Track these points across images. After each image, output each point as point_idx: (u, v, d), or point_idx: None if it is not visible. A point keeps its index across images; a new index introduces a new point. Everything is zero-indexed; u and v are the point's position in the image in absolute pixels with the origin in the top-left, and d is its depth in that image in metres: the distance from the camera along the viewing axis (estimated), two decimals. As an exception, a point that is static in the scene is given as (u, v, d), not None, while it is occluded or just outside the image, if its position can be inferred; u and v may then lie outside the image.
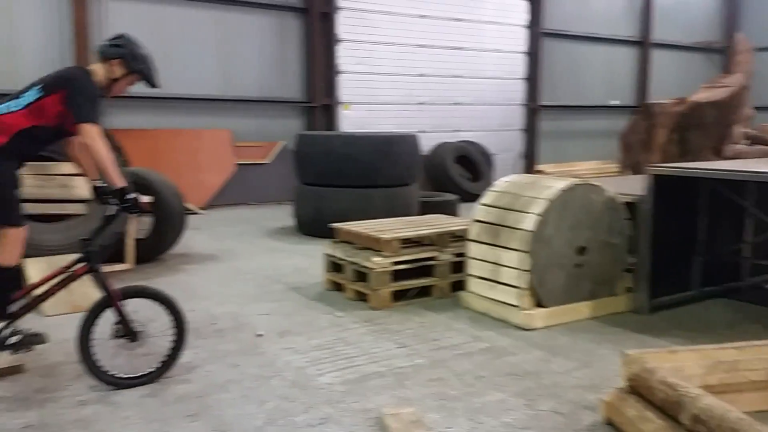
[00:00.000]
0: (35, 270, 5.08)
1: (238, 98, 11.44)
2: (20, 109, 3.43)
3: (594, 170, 13.79)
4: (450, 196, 9.24)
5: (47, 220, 5.57)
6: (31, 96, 3.46)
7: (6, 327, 3.51)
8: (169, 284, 5.74)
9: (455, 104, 13.70)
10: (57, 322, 4.52)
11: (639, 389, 2.93)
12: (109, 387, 3.51)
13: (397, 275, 5.09)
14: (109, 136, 7.69)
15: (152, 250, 6.60)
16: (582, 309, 4.76)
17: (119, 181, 3.38)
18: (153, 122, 10.65)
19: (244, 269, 6.37)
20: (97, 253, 3.56)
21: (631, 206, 4.92)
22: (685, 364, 3.05)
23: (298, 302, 5.23)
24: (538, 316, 4.55)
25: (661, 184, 4.77)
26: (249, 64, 11.54)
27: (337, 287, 5.48)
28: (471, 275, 5.02)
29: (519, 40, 14.46)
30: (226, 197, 10.90)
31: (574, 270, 4.73)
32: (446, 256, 5.26)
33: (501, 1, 14.08)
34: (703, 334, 4.42)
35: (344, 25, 12.13)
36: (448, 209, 8.44)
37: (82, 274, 3.57)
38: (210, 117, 11.17)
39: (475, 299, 4.96)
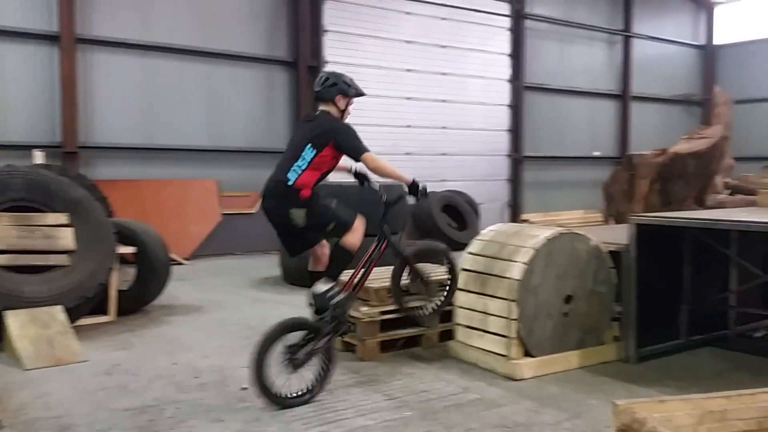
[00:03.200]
0: (16, 323, 4.98)
1: (226, 149, 11.52)
2: (306, 168, 4.25)
3: (578, 219, 13.90)
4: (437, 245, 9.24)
5: (30, 272, 5.49)
6: (308, 155, 4.25)
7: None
8: (152, 336, 5.66)
9: (442, 154, 13.88)
10: (37, 375, 4.42)
11: (630, 440, 2.88)
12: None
13: (385, 325, 5.05)
14: (93, 186, 7.73)
15: (136, 302, 6.52)
16: (570, 358, 4.73)
17: (407, 178, 4.47)
18: (140, 173, 10.67)
19: (229, 320, 6.29)
20: (389, 231, 4.68)
21: (615, 255, 4.96)
22: (675, 414, 3.02)
23: (284, 353, 5.15)
24: (527, 366, 4.52)
25: (645, 234, 4.82)
26: (237, 115, 11.68)
27: (324, 338, 5.41)
28: (459, 324, 4.99)
29: (503, 93, 14.79)
30: (211, 247, 10.85)
31: (562, 319, 4.73)
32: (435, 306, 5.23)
33: (485, 57, 14.45)
34: (691, 384, 4.40)
35: (331, 78, 12.35)
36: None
37: (384, 249, 4.59)
38: (197, 167, 11.22)
39: (464, 349, 4.92)
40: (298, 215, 4.22)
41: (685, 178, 8.43)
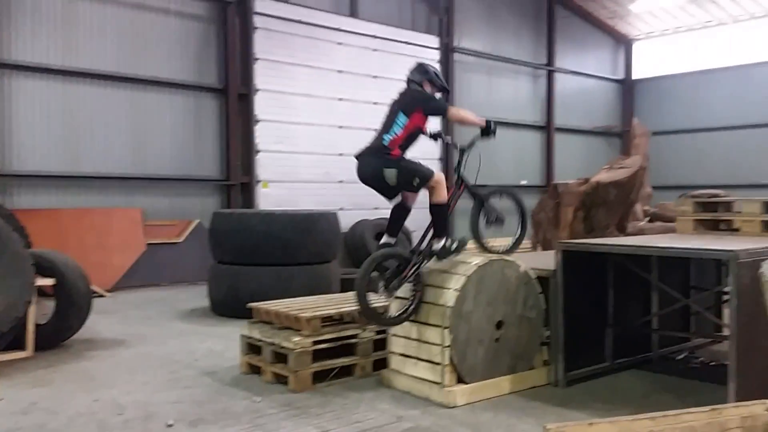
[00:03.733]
0: None
1: (151, 176, 11.21)
2: (400, 132, 4.92)
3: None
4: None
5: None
6: (401, 120, 4.93)
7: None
8: (72, 372, 5.37)
9: (374, 183, 13.93)
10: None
11: (562, 464, 2.91)
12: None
13: (318, 355, 4.97)
14: (11, 216, 7.35)
15: (55, 336, 6.19)
16: (502, 384, 4.78)
17: (481, 121, 5.11)
18: (61, 201, 10.23)
19: (154, 354, 6.04)
20: (463, 174, 5.25)
21: (544, 281, 5.07)
22: (604, 436, 3.07)
23: (212, 388, 4.98)
24: (460, 393, 4.53)
25: (571, 260, 4.95)
26: (164, 142, 11.41)
27: (255, 370, 5.27)
28: (393, 353, 4.96)
29: (434, 124, 14.97)
30: (135, 278, 10.44)
31: (493, 345, 4.77)
32: (368, 334, 5.20)
33: (415, 86, 14.69)
34: (618, 406, 4.51)
35: (263, 105, 12.28)
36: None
37: (463, 191, 5.27)
38: (122, 195, 10.85)
39: (398, 377, 4.88)
40: (390, 175, 4.82)
41: (607, 206, 8.74)
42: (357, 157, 5.14)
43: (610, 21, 19.28)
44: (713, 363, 5.59)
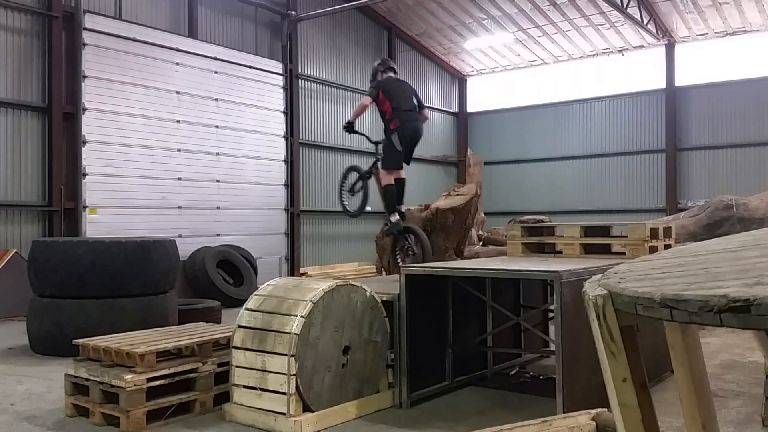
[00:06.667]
0: None
1: (-40, 201, 10.01)
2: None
3: (353, 271, 14.38)
4: (212, 303, 8.86)
5: None
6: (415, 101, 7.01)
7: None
8: None
9: (216, 208, 13.51)
10: None
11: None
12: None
13: (154, 392, 4.64)
14: None
15: None
16: (349, 409, 4.76)
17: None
18: None
19: (-41, 402, 5.32)
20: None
21: (388, 304, 5.15)
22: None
23: (30, 435, 4.47)
24: (306, 422, 4.44)
25: (414, 283, 5.10)
26: (-24, 163, 10.26)
27: (82, 412, 4.81)
28: (236, 385, 4.77)
29: (279, 148, 14.96)
30: (-62, 317, 9.20)
31: (340, 370, 4.75)
32: (209, 367, 4.95)
33: (260, 112, 14.55)
34: (458, 423, 4.67)
35: (91, 126, 11.47)
36: (211, 316, 8.08)
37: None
38: None
39: (241, 411, 4.69)
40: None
41: (445, 230, 9.14)
42: (407, 112, 6.60)
43: (446, 57, 20.46)
44: (542, 377, 5.98)
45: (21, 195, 10.71)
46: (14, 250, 10.13)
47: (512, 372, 6.22)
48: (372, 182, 7.66)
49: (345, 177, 7.29)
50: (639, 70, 18.61)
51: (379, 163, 6.98)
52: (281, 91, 15.13)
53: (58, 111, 11.05)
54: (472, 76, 21.45)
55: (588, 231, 6.06)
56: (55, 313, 7.04)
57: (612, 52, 18.85)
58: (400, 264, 6.83)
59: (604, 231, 6.19)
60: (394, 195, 6.85)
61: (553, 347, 5.25)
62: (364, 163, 8.08)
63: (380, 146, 7.17)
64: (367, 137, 7.62)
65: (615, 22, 17.24)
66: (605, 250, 6.01)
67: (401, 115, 6.60)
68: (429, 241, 6.86)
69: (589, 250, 5.97)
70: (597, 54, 19.09)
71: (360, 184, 7.10)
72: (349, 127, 7.06)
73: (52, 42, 11.04)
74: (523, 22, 17.72)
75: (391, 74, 7.02)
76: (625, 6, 15.57)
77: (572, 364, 4.35)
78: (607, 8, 16.24)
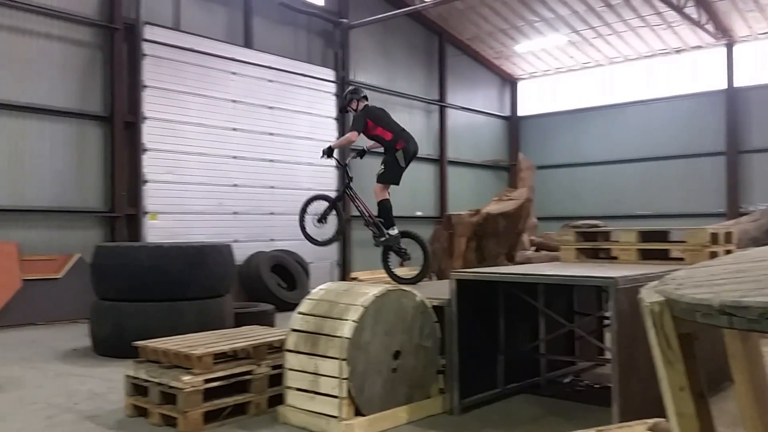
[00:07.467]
0: None
1: (29, 208, 10.48)
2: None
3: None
4: (266, 306, 9.04)
5: None
6: None
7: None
8: (-72, 424, 4.84)
9: (270, 214, 13.75)
10: None
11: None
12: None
13: (210, 394, 4.76)
14: None
15: None
16: (400, 414, 4.77)
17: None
18: None
19: (29, 399, 5.57)
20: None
21: (439, 310, 5.15)
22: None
23: (94, 433, 4.65)
24: (358, 426, 4.47)
25: (465, 288, 5.08)
26: (44, 172, 10.74)
27: (142, 412, 4.97)
28: (289, 387, 4.84)
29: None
30: (10, 317, 9.65)
31: (391, 375, 4.77)
32: (263, 370, 5.05)
33: (312, 119, 14.75)
34: (511, 430, 4.62)
35: (151, 134, 11.86)
36: (265, 320, 8.23)
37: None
38: (-6, 228, 10.06)
39: (294, 413, 4.76)
40: None
41: (497, 236, 9.07)
42: (406, 133, 6.81)
43: (497, 61, 20.31)
44: (597, 385, 5.86)
45: (85, 201, 11.15)
46: (79, 255, 10.55)
47: (566, 380, 6.11)
48: (347, 204, 7.87)
49: (307, 205, 7.15)
50: (697, 70, 18.07)
51: (377, 177, 7.02)
52: (333, 98, 15.31)
53: (120, 120, 11.47)
54: (523, 79, 21.24)
55: (645, 236, 5.92)
56: (116, 315, 7.30)
57: (669, 52, 18.36)
58: (393, 273, 7.01)
59: (662, 236, 6.03)
60: (391, 209, 6.94)
61: (608, 355, 5.14)
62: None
63: (348, 167, 7.49)
64: (338, 160, 7.74)
65: (671, 22, 16.80)
66: (663, 255, 5.86)
67: (404, 136, 6.78)
68: (428, 245, 7.05)
69: (646, 255, 5.83)
70: (653, 55, 18.64)
71: (331, 211, 7.09)
72: (330, 153, 7.15)
73: (114, 53, 11.47)
74: (576, 23, 17.45)
75: (366, 102, 7.08)
76: (682, 6, 15.15)
77: (628, 373, 4.25)
78: (663, 8, 15.83)
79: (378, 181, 7.13)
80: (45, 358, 7.35)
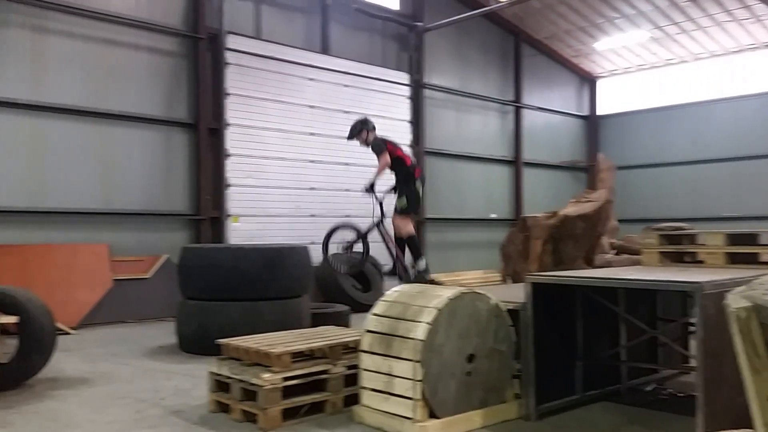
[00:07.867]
0: None
1: (119, 211, 11.08)
2: None
3: (478, 279, 14.28)
4: (342, 307, 9.19)
5: None
6: None
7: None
8: (34, 413, 5.20)
9: (345, 216, 13.93)
10: None
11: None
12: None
13: (289, 392, 4.89)
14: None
15: (17, 376, 6.00)
16: (474, 418, 4.75)
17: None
18: (25, 237, 10.03)
19: (119, 393, 5.89)
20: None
21: (514, 313, 5.09)
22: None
23: (178, 427, 4.86)
24: (432, 428, 4.49)
25: (540, 292, 5.00)
26: (132, 177, 11.31)
27: (224, 408, 5.17)
28: (364, 388, 4.92)
29: (404, 157, 15.17)
30: (101, 315, 10.23)
31: (465, 378, 4.76)
32: (339, 369, 5.15)
33: (387, 123, 14.80)
34: (590, 438, 4.52)
35: (234, 140, 12.28)
36: (340, 320, 8.36)
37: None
38: (88, 231, 10.68)
39: (369, 413, 4.83)
40: None
41: (574, 238, 8.87)
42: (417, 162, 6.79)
43: (575, 59, 19.84)
44: (681, 394, 5.64)
45: (172, 205, 11.67)
46: (166, 256, 11.06)
47: (648, 388, 5.91)
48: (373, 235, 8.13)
49: (331, 235, 7.24)
50: (793, 64, 17.05)
51: (400, 210, 7.12)
52: (407, 101, 15.38)
53: (204, 127, 11.94)
54: (603, 77, 20.64)
55: (733, 239, 5.66)
56: (200, 314, 7.61)
57: (758, 47, 17.41)
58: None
59: (751, 239, 5.75)
60: (418, 240, 6.99)
61: (693, 363, 4.95)
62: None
63: (378, 196, 7.57)
64: (376, 196, 7.95)
65: (760, 15, 15.92)
66: (752, 259, 5.58)
67: (418, 163, 7.00)
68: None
69: (734, 259, 5.57)
70: (741, 50, 17.72)
71: (358, 242, 7.14)
72: (371, 189, 7.28)
73: (198, 62, 11.96)
74: (658, 19, 16.82)
75: (375, 133, 7.35)
76: (774, -4, 14.35)
77: (715, 382, 4.08)
78: (751, 1, 15.03)
79: (400, 213, 7.05)
80: (134, 355, 7.75)
